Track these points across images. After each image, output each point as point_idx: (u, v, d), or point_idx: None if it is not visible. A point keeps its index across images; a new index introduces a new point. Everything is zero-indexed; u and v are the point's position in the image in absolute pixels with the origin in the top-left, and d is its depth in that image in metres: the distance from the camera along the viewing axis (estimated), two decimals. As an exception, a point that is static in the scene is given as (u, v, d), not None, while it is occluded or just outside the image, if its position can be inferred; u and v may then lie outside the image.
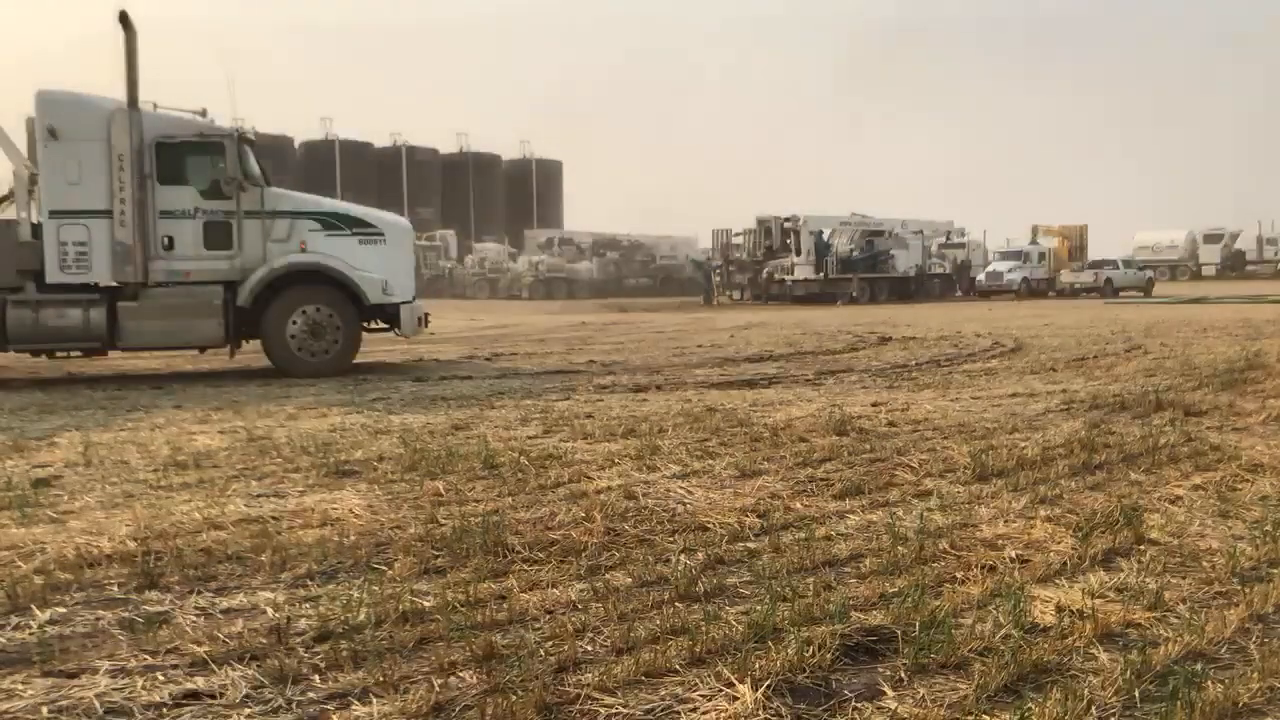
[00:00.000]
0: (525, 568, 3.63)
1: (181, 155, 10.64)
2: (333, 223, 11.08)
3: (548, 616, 3.14)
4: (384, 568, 3.65)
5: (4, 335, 10.10)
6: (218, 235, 10.55)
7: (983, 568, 3.57)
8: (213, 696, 2.58)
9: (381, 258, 11.04)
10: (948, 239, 42.21)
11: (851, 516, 4.32)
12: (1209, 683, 2.58)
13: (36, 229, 10.40)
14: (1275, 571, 3.51)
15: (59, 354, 10.83)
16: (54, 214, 10.23)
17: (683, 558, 3.72)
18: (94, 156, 10.27)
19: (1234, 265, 60.38)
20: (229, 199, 10.53)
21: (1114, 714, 2.47)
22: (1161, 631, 2.99)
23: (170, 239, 10.46)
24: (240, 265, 10.58)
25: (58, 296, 10.20)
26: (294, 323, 10.73)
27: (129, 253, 10.23)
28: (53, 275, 10.17)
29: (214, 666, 2.75)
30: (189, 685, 2.64)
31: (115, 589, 3.43)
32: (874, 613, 3.12)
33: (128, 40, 10.15)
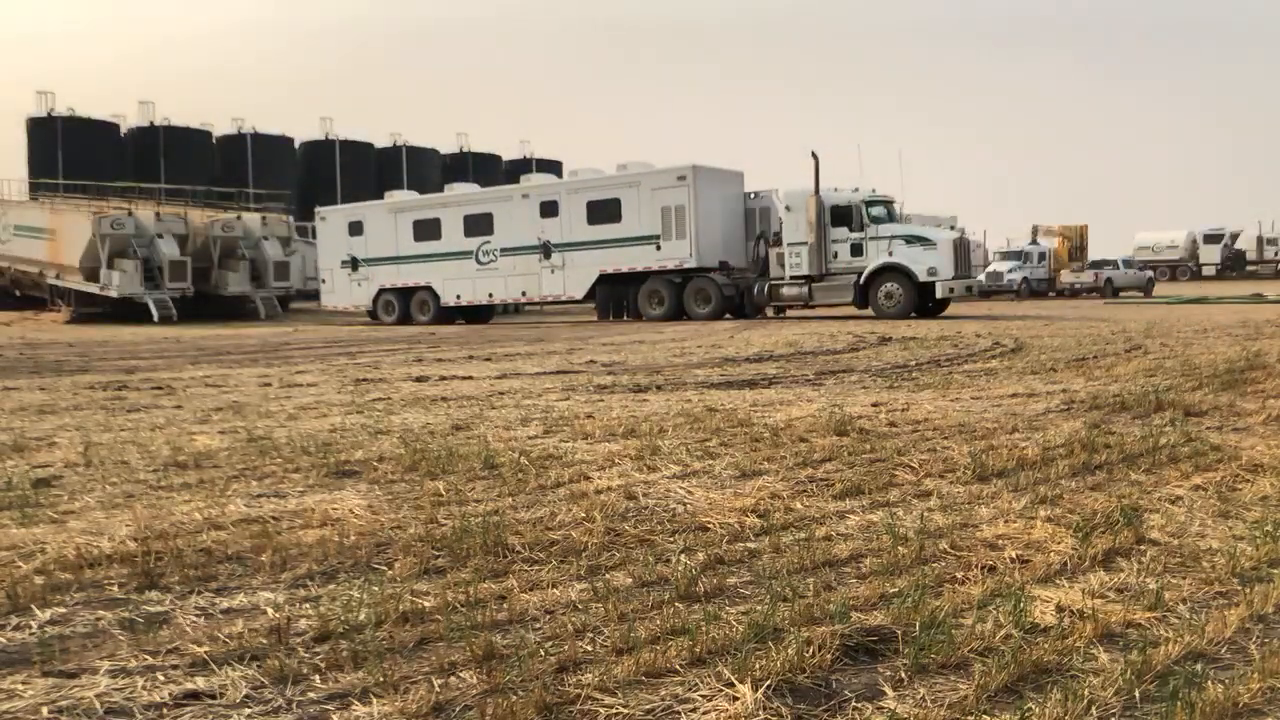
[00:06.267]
0: (525, 568, 3.63)
1: None
2: None
3: (548, 616, 3.14)
4: (384, 568, 3.65)
5: None
6: None
7: (983, 568, 3.57)
8: (213, 696, 2.58)
9: None
10: None
11: (852, 517, 4.32)
12: (1209, 683, 2.58)
13: None
14: (1275, 571, 3.51)
15: None
16: None
17: (683, 558, 3.72)
18: None
19: (1234, 265, 60.38)
20: None
21: (1114, 714, 2.47)
22: (1161, 631, 2.98)
23: None
24: None
25: None
26: None
27: None
28: None
29: (214, 666, 2.75)
30: (189, 685, 2.64)
31: (115, 589, 3.43)
32: (874, 613, 3.11)
33: None
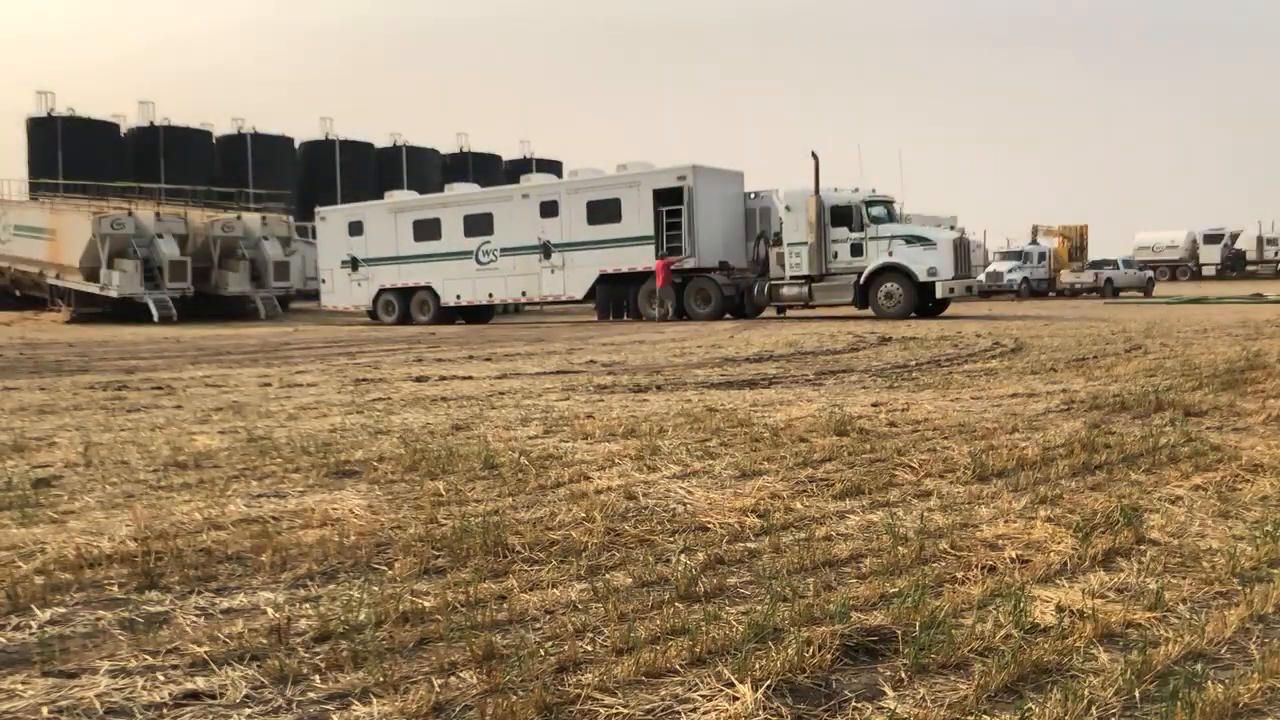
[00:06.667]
0: (525, 568, 3.63)
1: None
2: None
3: (548, 616, 3.14)
4: (384, 568, 3.65)
5: None
6: None
7: (983, 568, 3.57)
8: (213, 696, 2.58)
9: None
10: None
11: (852, 517, 4.32)
12: (1209, 683, 2.58)
13: None
14: (1275, 571, 3.51)
15: None
16: None
17: (683, 558, 3.72)
18: None
19: (1234, 265, 60.39)
20: None
21: (1114, 714, 2.47)
22: (1161, 631, 2.98)
23: None
24: None
25: None
26: None
27: None
28: None
29: (214, 666, 2.75)
30: (189, 685, 2.64)
31: (115, 589, 3.43)
32: (874, 613, 3.11)
33: None
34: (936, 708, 2.48)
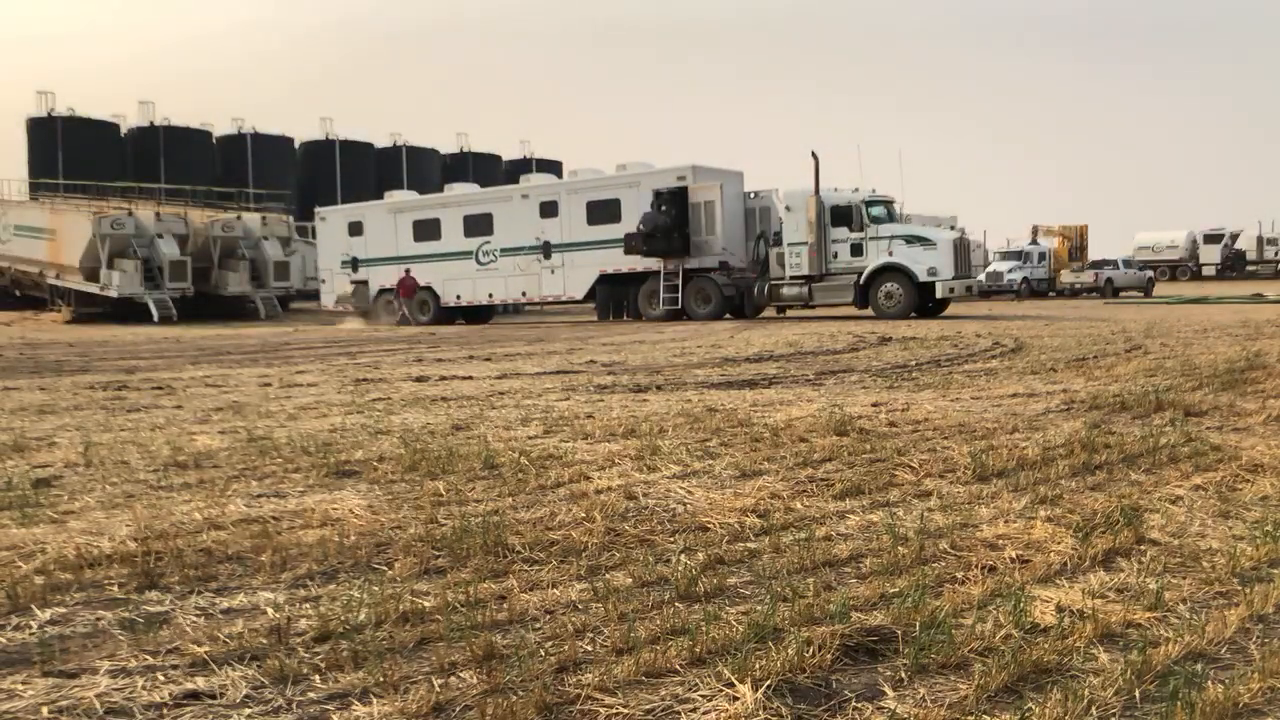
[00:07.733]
0: (525, 568, 3.63)
1: None
2: None
3: (548, 616, 3.14)
4: (384, 568, 3.65)
5: None
6: None
7: (983, 568, 3.57)
8: (213, 696, 2.58)
9: None
10: None
11: (852, 517, 4.32)
12: (1209, 683, 2.58)
13: None
14: (1275, 571, 3.51)
15: None
16: None
17: (683, 558, 3.72)
18: None
19: (1234, 265, 60.40)
20: None
21: (1114, 714, 2.46)
22: (1162, 631, 2.98)
23: None
24: None
25: None
26: None
27: None
28: None
29: (214, 666, 2.75)
30: (189, 685, 2.64)
31: (115, 589, 3.43)
32: (874, 613, 3.11)
33: None
34: (936, 708, 2.48)
